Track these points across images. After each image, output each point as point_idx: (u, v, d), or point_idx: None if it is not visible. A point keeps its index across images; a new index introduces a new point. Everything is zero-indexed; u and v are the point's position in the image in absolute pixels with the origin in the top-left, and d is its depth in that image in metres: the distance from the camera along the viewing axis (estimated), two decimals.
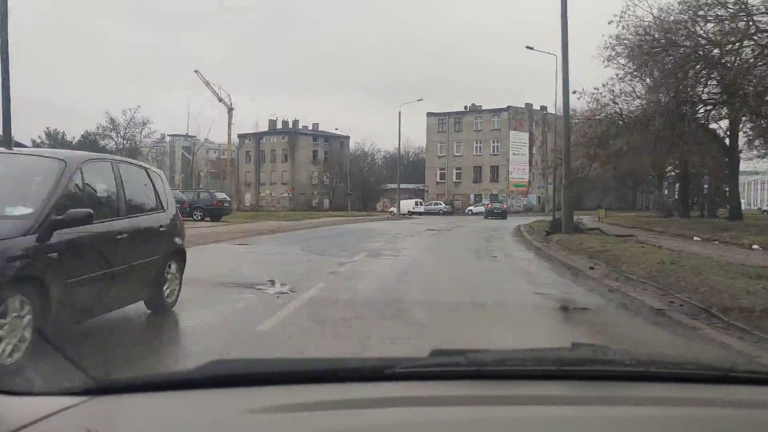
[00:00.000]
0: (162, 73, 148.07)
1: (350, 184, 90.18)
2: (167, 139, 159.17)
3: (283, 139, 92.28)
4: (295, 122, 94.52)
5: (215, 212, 29.54)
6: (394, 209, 67.96)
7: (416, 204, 68.21)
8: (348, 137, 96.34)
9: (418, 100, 57.40)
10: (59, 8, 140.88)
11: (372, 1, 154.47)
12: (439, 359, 1.45)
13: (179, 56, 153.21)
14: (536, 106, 78.57)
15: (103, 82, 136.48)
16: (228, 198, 31.42)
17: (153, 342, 5.82)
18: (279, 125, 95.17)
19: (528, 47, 42.13)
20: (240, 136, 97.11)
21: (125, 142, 77.34)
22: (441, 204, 74.35)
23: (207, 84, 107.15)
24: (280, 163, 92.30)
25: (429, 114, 79.96)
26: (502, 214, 55.02)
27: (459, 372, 1.40)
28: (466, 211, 71.91)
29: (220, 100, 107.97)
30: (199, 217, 28.76)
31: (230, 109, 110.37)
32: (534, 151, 77.85)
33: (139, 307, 6.27)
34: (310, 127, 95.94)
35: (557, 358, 1.46)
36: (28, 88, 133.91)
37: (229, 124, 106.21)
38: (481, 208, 71.17)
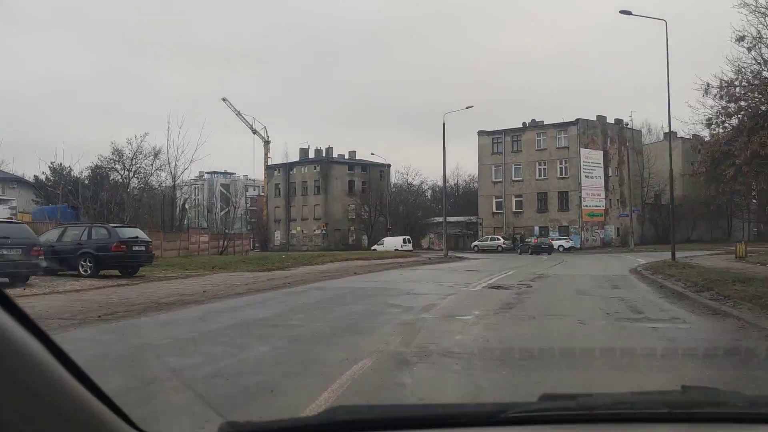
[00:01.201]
0: (202, 111, 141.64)
1: (391, 218, 77.62)
2: (205, 176, 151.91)
3: (315, 168, 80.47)
4: (329, 150, 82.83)
5: (120, 261, 16.83)
6: (377, 246, 59.66)
7: (404, 242, 59.50)
8: (388, 165, 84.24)
9: (467, 107, 44.39)
10: (103, 52, 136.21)
11: (412, 32, 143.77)
12: (550, 404, 1.44)
13: (216, 93, 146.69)
14: (609, 119, 64.55)
15: (142, 122, 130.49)
16: (144, 237, 18.14)
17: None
18: (312, 155, 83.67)
19: (623, 12, 28.99)
20: (267, 167, 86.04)
21: (130, 173, 65.84)
22: (499, 239, 60.71)
23: (238, 114, 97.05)
24: (312, 195, 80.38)
25: (480, 132, 66.78)
26: (548, 250, 50.08)
27: (570, 416, 1.39)
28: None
29: (255, 132, 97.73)
30: (89, 271, 16.19)
31: (266, 142, 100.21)
32: (609, 173, 63.55)
33: None
34: (347, 156, 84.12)
35: (668, 400, 1.41)
36: (84, 131, 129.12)
37: (266, 158, 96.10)
38: (553, 243, 57.12)
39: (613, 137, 64.47)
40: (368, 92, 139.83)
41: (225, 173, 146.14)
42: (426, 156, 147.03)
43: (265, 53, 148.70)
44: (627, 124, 53.01)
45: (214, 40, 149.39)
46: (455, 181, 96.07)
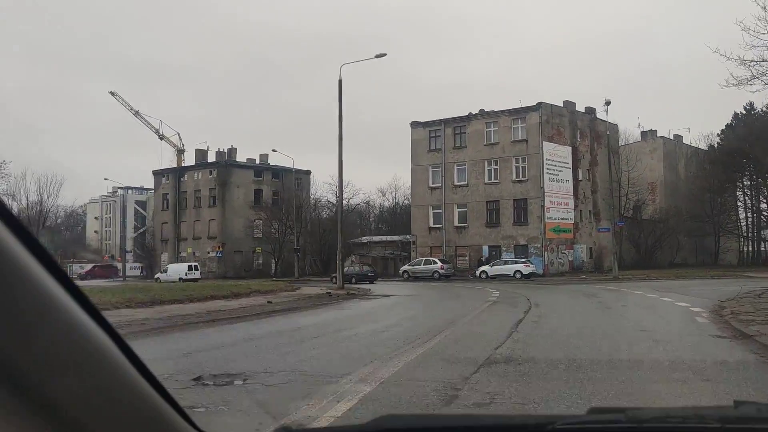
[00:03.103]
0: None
1: (309, 237, 60.76)
2: (119, 192, 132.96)
3: (211, 174, 62.88)
4: (231, 151, 65.40)
5: None
6: (160, 275, 49.35)
7: (189, 269, 49.23)
8: (308, 172, 67.43)
9: (377, 56, 28.09)
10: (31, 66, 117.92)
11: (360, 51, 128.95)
12: (599, 416, 1.41)
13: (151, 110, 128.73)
14: (579, 107, 49.25)
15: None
16: None
17: None
18: (213, 159, 65.93)
19: None
20: (155, 173, 68.12)
21: None
22: (436, 263, 44.38)
23: (137, 114, 78.50)
24: (206, 208, 62.61)
25: (414, 124, 50.57)
26: (372, 278, 40.78)
27: (619, 429, 1.34)
28: (478, 274, 42.01)
29: (162, 137, 79.42)
30: None
31: (180, 151, 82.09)
32: (580, 177, 48.00)
33: None
34: (257, 160, 66.68)
35: (720, 416, 1.35)
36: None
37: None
38: (505, 268, 41.13)
39: (584, 130, 49.07)
40: (314, 113, 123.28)
41: (141, 189, 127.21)
42: (373, 175, 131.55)
43: (203, 71, 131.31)
44: (608, 103, 37.55)
45: (146, 54, 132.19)
46: (393, 195, 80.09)
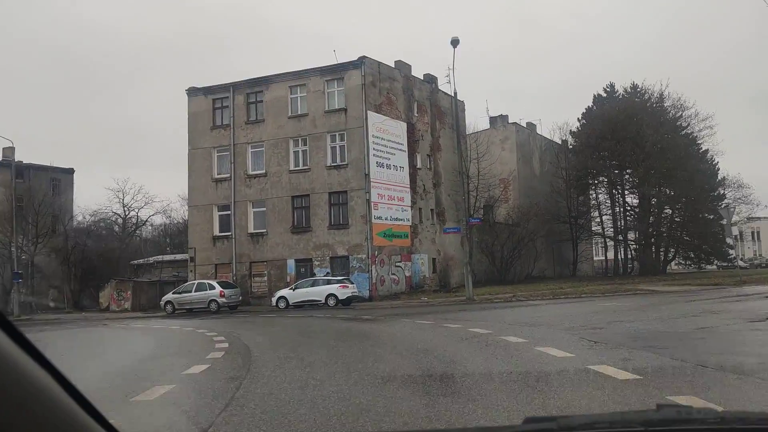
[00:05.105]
0: None
1: (64, 257, 43.07)
2: None
3: None
4: None
5: None
6: None
7: None
8: (70, 171, 49.56)
9: None
10: None
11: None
12: (532, 426, 1.46)
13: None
14: (416, 73, 36.61)
15: None
16: None
17: None
18: None
19: None
20: None
21: None
22: (213, 288, 29.32)
23: None
24: None
25: (192, 91, 35.06)
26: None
27: None
28: (275, 302, 27.58)
29: None
30: None
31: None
32: (418, 164, 35.15)
33: None
34: (0, 156, 47.38)
35: (644, 419, 1.42)
36: None
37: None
38: (314, 292, 27.21)
39: (423, 103, 36.47)
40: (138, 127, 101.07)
41: None
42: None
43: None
44: (455, 43, 24.66)
45: None
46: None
